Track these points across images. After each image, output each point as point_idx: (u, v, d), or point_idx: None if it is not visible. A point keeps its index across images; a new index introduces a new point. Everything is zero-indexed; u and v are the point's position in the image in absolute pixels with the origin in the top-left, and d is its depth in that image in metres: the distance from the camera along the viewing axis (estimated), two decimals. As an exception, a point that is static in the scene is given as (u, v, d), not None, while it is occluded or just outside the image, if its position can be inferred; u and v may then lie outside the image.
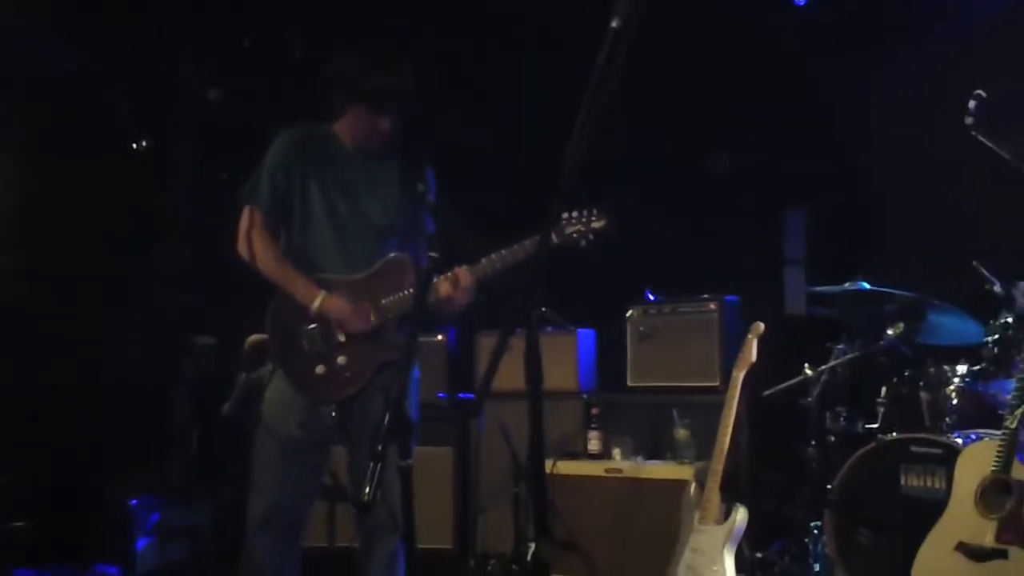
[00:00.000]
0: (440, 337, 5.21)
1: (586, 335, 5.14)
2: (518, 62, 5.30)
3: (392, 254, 3.28)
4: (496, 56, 5.40)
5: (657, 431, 4.67)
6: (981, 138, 3.53)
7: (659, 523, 4.17)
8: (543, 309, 4.92)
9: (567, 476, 4.57)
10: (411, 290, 3.16)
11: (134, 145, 4.74)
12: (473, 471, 5.06)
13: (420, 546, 2.64)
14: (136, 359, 5.07)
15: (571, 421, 4.84)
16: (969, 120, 3.52)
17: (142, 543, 4.72)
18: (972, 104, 3.52)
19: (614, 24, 2.03)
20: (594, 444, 4.71)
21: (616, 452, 4.66)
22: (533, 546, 4.31)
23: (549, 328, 5.11)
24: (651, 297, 4.96)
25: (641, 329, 4.89)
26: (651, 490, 4.38)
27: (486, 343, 5.13)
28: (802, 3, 4.99)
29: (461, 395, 5.16)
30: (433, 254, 3.22)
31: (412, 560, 2.77)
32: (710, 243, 5.26)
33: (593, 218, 3.11)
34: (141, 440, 5.02)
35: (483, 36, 5.36)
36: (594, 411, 4.77)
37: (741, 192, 5.32)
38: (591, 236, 3.11)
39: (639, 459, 4.60)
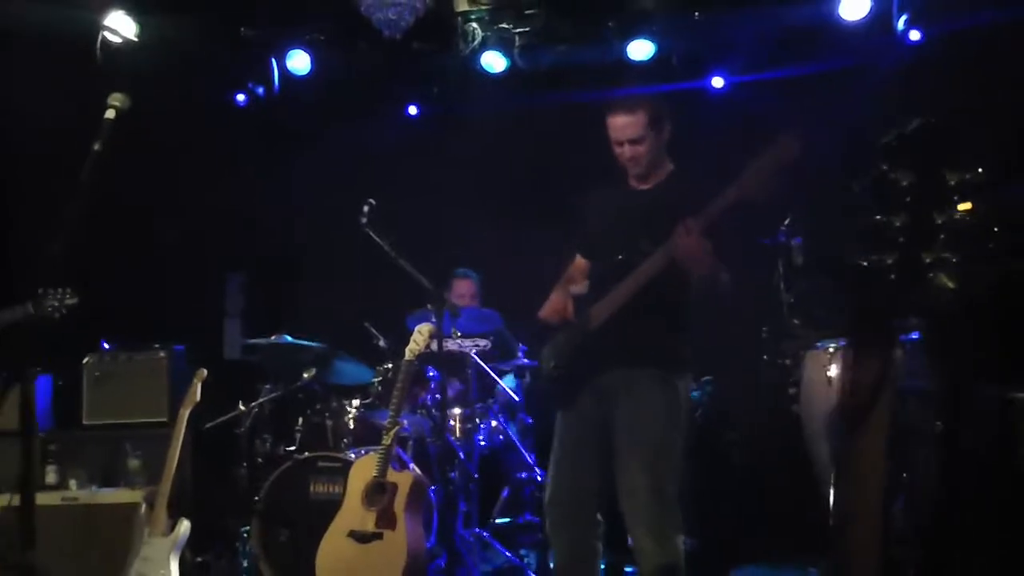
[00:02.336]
0: None
1: (43, 380, 5.41)
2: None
3: None
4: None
5: (113, 462, 5.11)
6: (370, 232, 4.45)
7: (115, 542, 4.61)
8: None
9: (25, 508, 4.95)
10: None
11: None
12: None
13: None
14: None
15: (28, 458, 5.21)
16: (363, 220, 4.44)
17: None
18: (365, 208, 4.43)
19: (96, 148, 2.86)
20: (51, 477, 5.03)
21: (72, 483, 5.03)
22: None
23: (4, 374, 5.45)
24: (106, 346, 5.48)
25: (97, 374, 5.36)
26: (106, 514, 4.81)
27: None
28: (242, 104, 6.05)
29: None
30: None
31: None
32: (166, 299, 5.93)
33: (67, 296, 3.75)
34: None
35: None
36: (51, 447, 5.12)
37: (191, 257, 6.10)
38: (64, 310, 3.76)
39: (94, 488, 5.00)
